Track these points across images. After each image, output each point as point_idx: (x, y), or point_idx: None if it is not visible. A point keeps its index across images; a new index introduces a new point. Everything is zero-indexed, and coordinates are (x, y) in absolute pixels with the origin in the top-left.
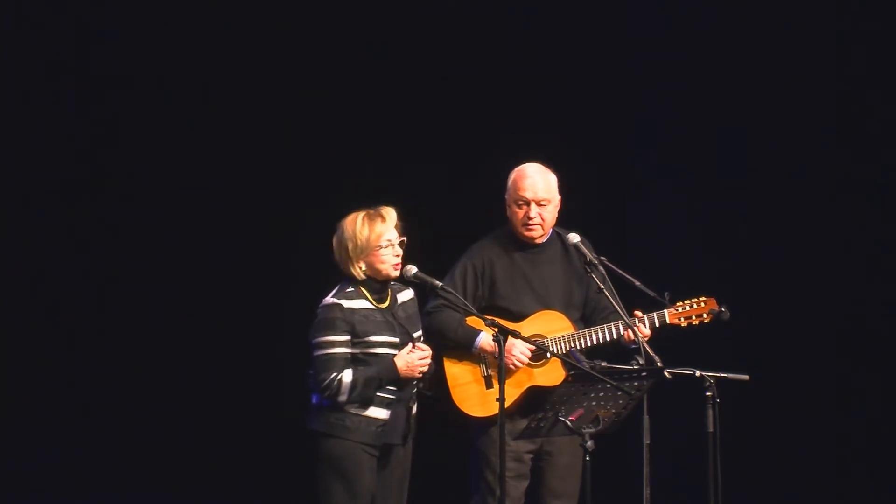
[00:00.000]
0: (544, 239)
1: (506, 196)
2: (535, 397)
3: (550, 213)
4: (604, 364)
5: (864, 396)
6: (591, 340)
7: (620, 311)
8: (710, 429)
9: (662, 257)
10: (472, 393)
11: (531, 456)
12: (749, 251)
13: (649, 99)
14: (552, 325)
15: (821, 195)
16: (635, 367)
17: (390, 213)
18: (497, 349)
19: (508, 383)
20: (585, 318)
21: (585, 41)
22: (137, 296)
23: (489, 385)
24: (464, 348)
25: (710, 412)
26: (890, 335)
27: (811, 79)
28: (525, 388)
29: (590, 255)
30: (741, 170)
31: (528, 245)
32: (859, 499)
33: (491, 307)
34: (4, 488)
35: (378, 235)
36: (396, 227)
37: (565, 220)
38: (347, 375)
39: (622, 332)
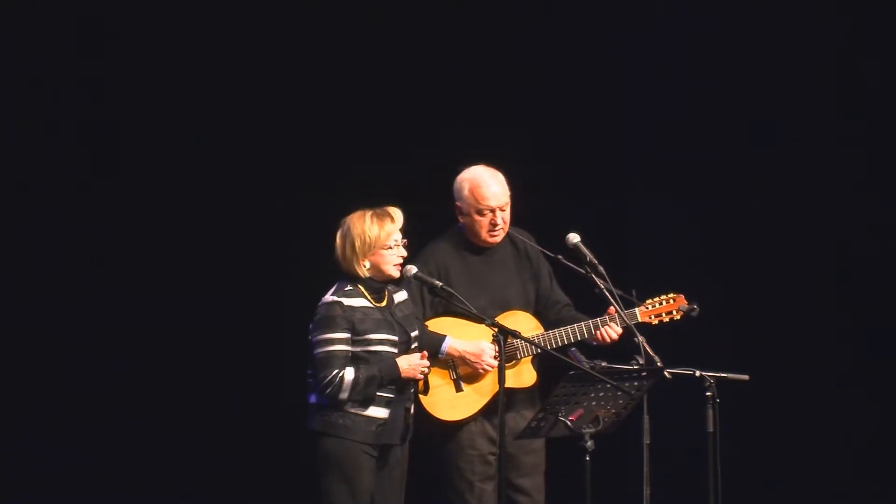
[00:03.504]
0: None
1: (458, 204)
2: (507, 399)
3: (509, 213)
4: (604, 364)
5: (865, 396)
6: (562, 341)
7: (622, 313)
8: (710, 429)
9: (663, 257)
10: (442, 397)
11: (495, 457)
12: (749, 251)
13: (649, 99)
14: (521, 326)
15: (821, 196)
16: (635, 367)
17: (398, 214)
18: (461, 353)
19: (479, 386)
20: (538, 313)
21: (586, 41)
22: (138, 296)
23: (459, 388)
24: (430, 355)
25: (710, 412)
26: (890, 335)
27: (813, 80)
28: (496, 390)
29: (590, 256)
30: (741, 171)
31: (480, 248)
32: (860, 499)
33: (449, 312)
34: (4, 488)
35: (387, 235)
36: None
37: (566, 222)
38: (349, 373)
39: (594, 333)
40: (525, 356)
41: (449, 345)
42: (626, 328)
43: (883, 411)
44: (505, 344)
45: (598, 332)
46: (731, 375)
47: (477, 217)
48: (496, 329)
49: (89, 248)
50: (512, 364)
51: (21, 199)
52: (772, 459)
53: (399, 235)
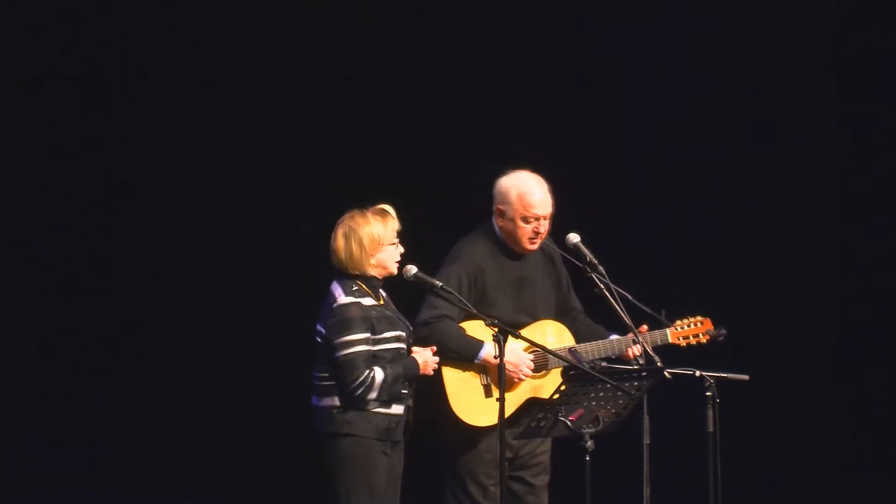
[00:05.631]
0: None
1: (500, 207)
2: (533, 408)
3: (549, 222)
4: (604, 364)
5: (864, 396)
6: (595, 356)
7: (623, 314)
8: (710, 429)
9: (663, 257)
10: (471, 402)
11: (507, 462)
12: (749, 251)
13: (649, 99)
14: (554, 337)
15: (820, 197)
16: (635, 367)
17: (393, 211)
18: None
19: (511, 395)
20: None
21: (586, 41)
22: (137, 297)
23: (489, 394)
24: (466, 360)
25: (710, 412)
26: (890, 336)
27: (813, 80)
28: (525, 399)
29: (590, 256)
30: (741, 171)
31: (515, 253)
32: (859, 498)
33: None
34: (4, 488)
35: (392, 231)
36: None
37: (565, 222)
38: (380, 373)
39: (623, 350)
40: (556, 366)
41: (486, 352)
42: (629, 329)
43: (882, 411)
44: (505, 343)
45: (629, 349)
46: (731, 375)
47: (521, 224)
48: (496, 328)
49: (89, 248)
50: (542, 374)
51: (21, 199)
52: (772, 459)
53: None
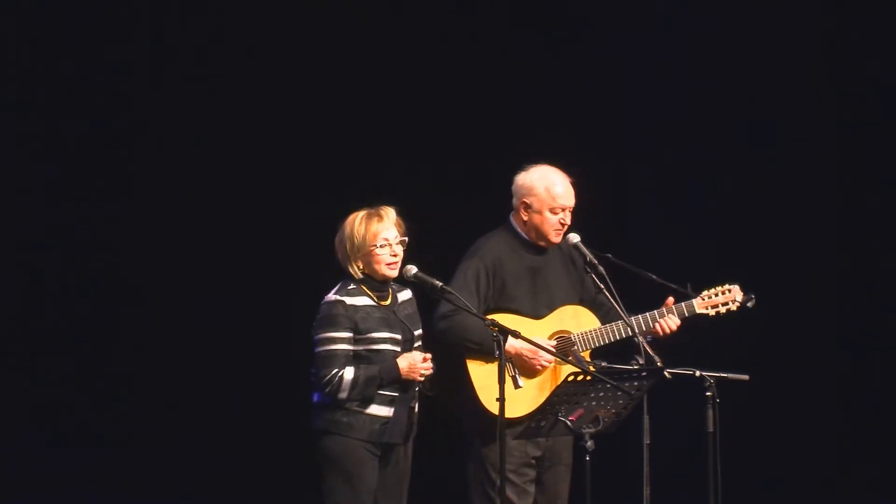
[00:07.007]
0: None
1: (526, 200)
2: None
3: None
4: (604, 364)
5: (864, 397)
6: (620, 334)
7: (621, 312)
8: (710, 429)
9: (663, 257)
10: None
11: (536, 461)
12: (749, 251)
13: (649, 99)
14: (579, 321)
15: (820, 196)
16: (635, 367)
17: (389, 213)
18: (518, 351)
19: (538, 382)
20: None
21: (586, 41)
22: (137, 298)
23: (517, 385)
24: (487, 352)
25: (710, 412)
26: (890, 336)
27: (813, 80)
28: (555, 385)
29: (590, 255)
30: (741, 171)
31: (535, 248)
32: (859, 498)
33: (500, 308)
34: (4, 488)
35: (374, 235)
36: (398, 226)
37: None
38: (349, 372)
39: (651, 326)
40: (584, 350)
41: (508, 343)
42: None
43: (882, 411)
44: (506, 342)
45: (656, 324)
46: (731, 375)
47: (548, 215)
48: (495, 329)
49: (89, 248)
50: (572, 360)
51: (21, 199)
52: (772, 459)
53: (391, 234)
